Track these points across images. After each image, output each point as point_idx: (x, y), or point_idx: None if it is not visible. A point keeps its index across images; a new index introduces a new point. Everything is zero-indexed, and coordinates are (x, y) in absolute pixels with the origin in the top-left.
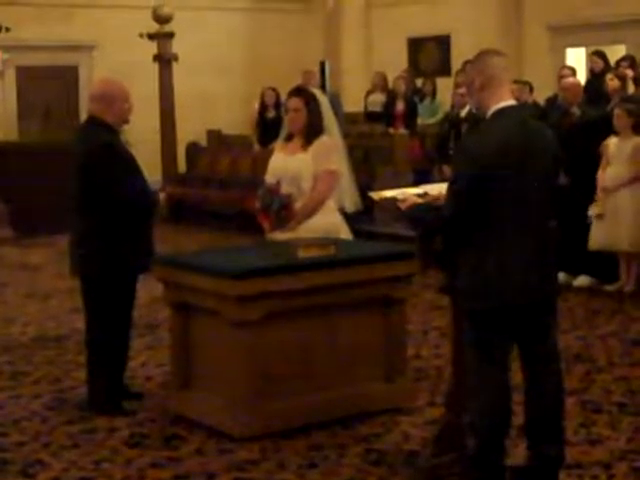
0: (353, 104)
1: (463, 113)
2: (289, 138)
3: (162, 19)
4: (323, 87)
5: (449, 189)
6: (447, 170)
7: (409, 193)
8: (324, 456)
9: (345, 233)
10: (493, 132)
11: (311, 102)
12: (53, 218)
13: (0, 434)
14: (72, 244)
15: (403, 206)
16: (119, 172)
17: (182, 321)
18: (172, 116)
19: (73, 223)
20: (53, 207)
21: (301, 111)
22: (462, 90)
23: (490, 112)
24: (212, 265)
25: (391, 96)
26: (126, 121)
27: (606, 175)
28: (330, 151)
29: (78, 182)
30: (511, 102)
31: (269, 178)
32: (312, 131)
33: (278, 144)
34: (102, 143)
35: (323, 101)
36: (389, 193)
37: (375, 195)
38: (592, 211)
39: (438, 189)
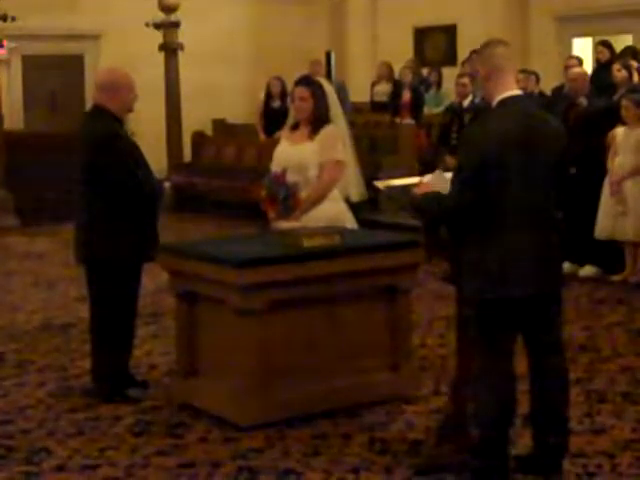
0: (359, 94)
1: (465, 103)
2: (295, 127)
3: (168, 8)
4: (329, 77)
5: (454, 179)
6: (449, 160)
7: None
8: (328, 445)
9: (350, 222)
10: (495, 122)
11: (318, 91)
12: (58, 207)
13: (5, 421)
14: (77, 232)
15: (419, 191)
16: (123, 161)
17: (187, 310)
18: (178, 105)
19: (78, 212)
20: (58, 196)
21: (308, 100)
22: (464, 80)
23: (494, 102)
24: (217, 254)
25: (397, 86)
26: (130, 110)
27: (614, 165)
28: (336, 141)
29: (82, 171)
30: (516, 92)
31: (275, 167)
32: (318, 120)
33: (284, 133)
34: (106, 132)
35: (329, 91)
36: (395, 182)
37: (380, 184)
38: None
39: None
